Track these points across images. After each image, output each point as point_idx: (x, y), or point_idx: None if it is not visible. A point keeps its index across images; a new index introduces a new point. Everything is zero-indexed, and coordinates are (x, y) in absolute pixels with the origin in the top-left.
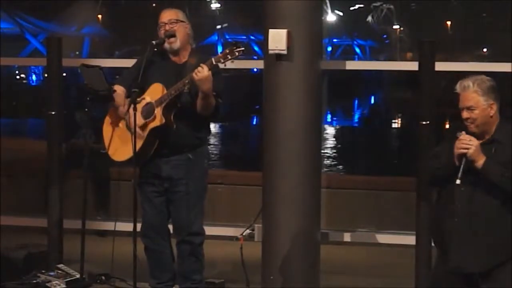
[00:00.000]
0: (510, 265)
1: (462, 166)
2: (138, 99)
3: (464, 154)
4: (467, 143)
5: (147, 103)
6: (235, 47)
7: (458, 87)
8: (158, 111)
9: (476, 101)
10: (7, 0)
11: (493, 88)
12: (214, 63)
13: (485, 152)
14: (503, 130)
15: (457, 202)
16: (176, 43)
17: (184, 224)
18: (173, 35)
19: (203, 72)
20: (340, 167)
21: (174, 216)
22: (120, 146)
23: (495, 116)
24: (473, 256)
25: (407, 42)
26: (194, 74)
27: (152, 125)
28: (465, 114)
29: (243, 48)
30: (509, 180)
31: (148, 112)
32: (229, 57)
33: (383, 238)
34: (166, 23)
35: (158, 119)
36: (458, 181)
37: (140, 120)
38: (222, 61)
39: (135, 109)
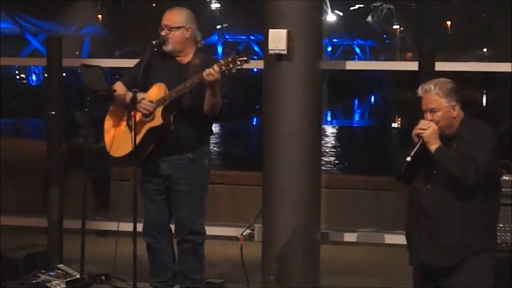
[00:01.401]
0: (476, 259)
1: (417, 146)
2: (138, 99)
3: (421, 136)
4: (425, 125)
5: (149, 101)
6: (238, 56)
7: (420, 91)
8: (158, 112)
9: (438, 103)
10: (7, 0)
11: (454, 89)
12: (217, 69)
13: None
14: (466, 126)
15: (424, 200)
16: (168, 46)
17: (185, 223)
18: (163, 43)
19: (215, 75)
20: (340, 167)
21: (176, 215)
22: (119, 143)
23: (458, 116)
24: (440, 252)
25: (407, 42)
26: (204, 75)
27: (150, 124)
28: (428, 117)
29: (245, 58)
30: (461, 169)
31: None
32: (231, 66)
33: (383, 238)
34: (163, 28)
35: (157, 120)
36: (408, 158)
37: (139, 118)
38: (224, 68)
39: (135, 109)
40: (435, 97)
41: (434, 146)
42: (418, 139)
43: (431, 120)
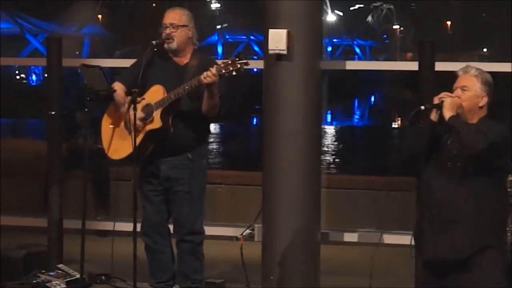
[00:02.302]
0: (487, 254)
1: (435, 104)
2: (138, 99)
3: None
4: (450, 94)
5: (147, 104)
6: (237, 59)
7: (460, 70)
8: (156, 114)
9: (472, 83)
10: (7, 0)
11: (491, 84)
12: (215, 72)
13: None
14: (485, 122)
15: (437, 193)
16: (173, 44)
17: (184, 223)
18: (163, 43)
19: (213, 77)
20: (340, 167)
21: (175, 215)
22: (117, 145)
23: (483, 110)
24: (452, 245)
25: (407, 42)
26: (203, 78)
27: (149, 127)
28: (457, 92)
29: (245, 61)
30: (472, 135)
31: (147, 113)
32: (230, 68)
33: (384, 238)
34: (167, 26)
35: (156, 122)
36: (422, 107)
37: (138, 120)
38: (224, 71)
39: (135, 109)
40: (472, 78)
41: (449, 113)
42: (439, 102)
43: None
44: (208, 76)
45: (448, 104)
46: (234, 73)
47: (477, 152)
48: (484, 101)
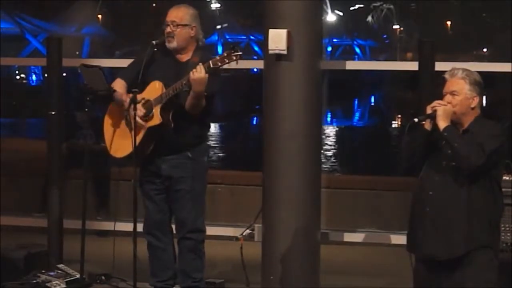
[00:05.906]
0: (480, 254)
1: (427, 114)
2: (138, 99)
3: (435, 109)
4: (443, 102)
5: (147, 101)
6: (232, 51)
7: (447, 74)
8: (156, 110)
9: (461, 87)
10: (7, 0)
11: (480, 83)
12: (211, 65)
13: None
14: (479, 123)
15: (431, 191)
16: (173, 43)
17: (186, 221)
18: (164, 43)
19: (199, 73)
20: (340, 167)
21: (176, 213)
22: (119, 143)
23: (476, 110)
24: (445, 244)
25: (407, 42)
26: (191, 73)
27: (149, 124)
28: (447, 98)
29: (240, 53)
30: (466, 149)
31: (147, 110)
32: (226, 61)
33: (384, 238)
34: (169, 24)
35: (156, 118)
36: (416, 119)
37: (139, 118)
38: (220, 64)
39: (135, 109)
40: (460, 81)
41: (443, 123)
42: (432, 112)
43: (448, 103)
44: (196, 71)
45: (441, 113)
46: (230, 65)
47: (475, 167)
48: (475, 101)
